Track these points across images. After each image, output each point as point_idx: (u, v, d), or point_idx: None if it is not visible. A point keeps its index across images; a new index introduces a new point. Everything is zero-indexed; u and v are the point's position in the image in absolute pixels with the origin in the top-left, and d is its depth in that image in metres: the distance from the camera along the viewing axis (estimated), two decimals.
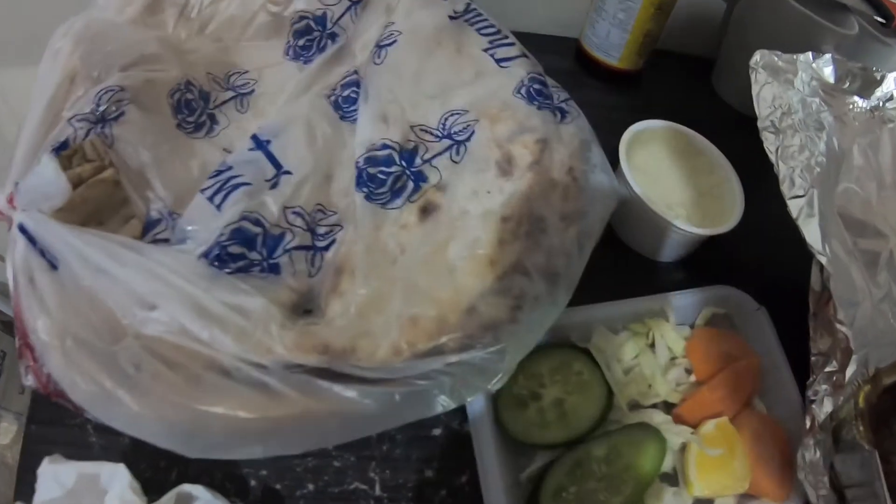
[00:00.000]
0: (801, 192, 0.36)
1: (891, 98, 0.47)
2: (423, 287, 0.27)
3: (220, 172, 0.30)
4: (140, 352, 0.24)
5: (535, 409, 0.30)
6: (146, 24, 0.35)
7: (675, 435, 0.30)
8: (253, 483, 0.29)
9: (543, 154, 0.31)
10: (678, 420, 0.32)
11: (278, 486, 0.29)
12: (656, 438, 0.29)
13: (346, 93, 0.36)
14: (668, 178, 0.39)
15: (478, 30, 0.37)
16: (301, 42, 0.38)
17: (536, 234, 0.28)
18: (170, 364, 0.24)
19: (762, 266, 0.41)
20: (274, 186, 0.31)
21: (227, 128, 0.35)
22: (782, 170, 0.36)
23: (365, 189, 0.31)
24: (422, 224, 0.30)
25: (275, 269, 0.29)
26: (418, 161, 0.32)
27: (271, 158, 0.32)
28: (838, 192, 0.43)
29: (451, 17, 0.37)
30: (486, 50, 0.36)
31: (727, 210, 0.38)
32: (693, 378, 0.34)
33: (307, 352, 0.25)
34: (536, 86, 0.35)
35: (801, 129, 0.39)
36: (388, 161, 0.32)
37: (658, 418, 0.30)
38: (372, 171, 0.32)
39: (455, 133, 0.33)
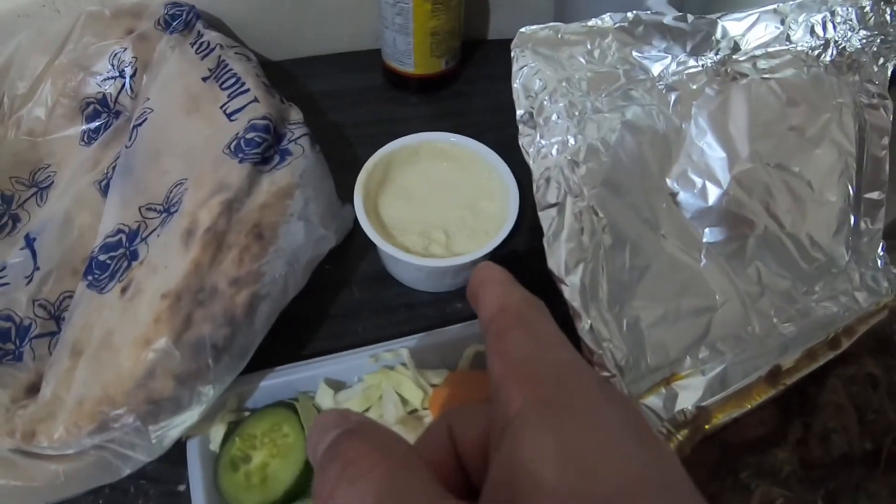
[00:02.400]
0: (555, 200, 0.30)
1: (736, 48, 0.36)
2: (97, 369, 0.29)
3: None
4: None
5: (244, 472, 0.30)
6: None
7: None
8: None
9: (221, 217, 0.30)
10: None
11: None
12: None
13: (113, 175, 0.38)
14: (436, 197, 0.35)
15: (220, 85, 0.37)
16: (93, 127, 0.41)
17: (193, 307, 0.29)
18: None
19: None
20: (29, 282, 0.35)
21: (27, 223, 0.40)
22: (535, 172, 0.31)
23: (90, 277, 0.33)
24: (120, 305, 0.31)
25: (20, 357, 0.33)
26: (137, 240, 0.34)
27: (34, 255, 0.36)
28: (671, 180, 0.35)
29: (203, 79, 0.38)
30: (222, 106, 0.36)
31: (506, 222, 0.33)
32: None
33: (3, 435, 0.29)
34: (251, 134, 0.34)
35: (582, 115, 0.32)
36: (117, 245, 0.34)
37: None
38: (102, 257, 0.34)
39: (172, 205, 0.34)
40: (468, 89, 0.46)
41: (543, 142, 0.31)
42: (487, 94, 0.45)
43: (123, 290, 0.32)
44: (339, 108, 0.44)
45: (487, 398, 0.17)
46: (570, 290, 0.28)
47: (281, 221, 0.31)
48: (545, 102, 0.32)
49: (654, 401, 0.34)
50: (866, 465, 0.37)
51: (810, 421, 0.35)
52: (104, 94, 0.41)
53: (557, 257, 0.28)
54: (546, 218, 0.29)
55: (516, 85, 0.32)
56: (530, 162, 0.30)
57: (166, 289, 0.29)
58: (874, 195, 0.40)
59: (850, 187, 0.40)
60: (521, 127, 0.32)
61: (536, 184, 0.30)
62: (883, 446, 0.37)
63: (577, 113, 0.32)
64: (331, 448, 0.14)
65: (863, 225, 0.41)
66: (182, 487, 0.34)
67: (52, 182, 0.41)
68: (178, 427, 0.28)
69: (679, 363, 0.35)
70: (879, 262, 0.41)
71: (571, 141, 0.31)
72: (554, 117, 0.31)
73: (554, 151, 0.30)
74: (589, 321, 0.28)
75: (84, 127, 0.41)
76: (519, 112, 0.32)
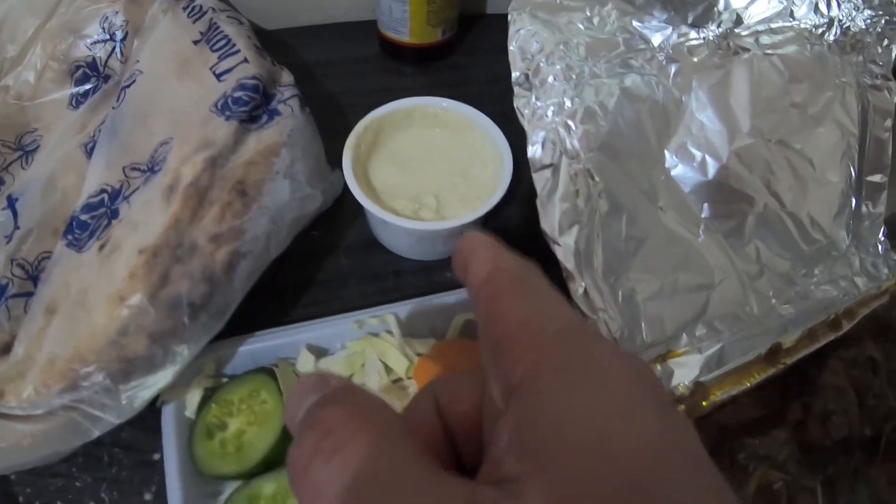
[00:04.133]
0: (550, 161, 0.28)
1: (738, 21, 0.34)
2: (70, 327, 0.27)
3: None
4: None
5: (219, 439, 0.28)
6: None
7: None
8: (21, 499, 0.33)
9: (205, 173, 0.29)
10: None
11: (37, 503, 0.33)
12: None
13: (99, 137, 0.37)
14: (427, 163, 0.34)
15: (211, 47, 0.35)
16: (81, 91, 0.40)
17: (171, 264, 0.27)
18: None
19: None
20: (9, 241, 0.33)
21: (10, 186, 0.38)
22: (530, 134, 0.29)
23: (69, 236, 0.32)
24: (97, 261, 0.30)
25: None
26: (119, 199, 0.32)
27: (15, 215, 0.34)
28: (670, 152, 0.33)
29: (194, 42, 0.36)
30: (212, 67, 0.34)
31: (499, 187, 0.32)
32: None
33: None
34: (238, 93, 0.32)
35: (580, 79, 0.31)
36: (99, 205, 0.32)
37: None
38: (83, 217, 0.32)
39: (157, 164, 0.32)
40: (465, 61, 0.44)
41: (539, 103, 0.29)
42: (484, 66, 0.43)
43: (101, 248, 0.30)
44: (332, 77, 0.42)
45: (476, 368, 0.15)
46: (564, 252, 0.26)
47: (266, 179, 0.29)
48: (542, 64, 0.30)
49: None
50: (865, 452, 0.35)
51: (810, 402, 0.33)
52: (94, 58, 0.39)
53: (551, 218, 0.26)
54: (540, 179, 0.27)
55: (512, 47, 0.31)
56: (525, 123, 0.29)
57: (144, 244, 0.27)
58: (876, 178, 0.39)
59: (851, 169, 0.38)
60: (516, 89, 0.30)
61: (531, 144, 0.28)
62: (882, 433, 0.35)
63: (574, 76, 0.30)
64: (308, 415, 0.13)
65: (864, 208, 0.39)
66: (156, 456, 0.32)
67: (39, 146, 0.39)
68: (150, 388, 0.26)
69: (675, 340, 0.33)
70: (880, 247, 0.39)
71: (568, 103, 0.29)
72: (550, 79, 0.30)
73: (550, 113, 0.29)
74: (583, 284, 0.27)
75: (73, 90, 0.40)
76: (514, 74, 0.31)
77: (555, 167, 0.27)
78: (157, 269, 0.27)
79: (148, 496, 0.31)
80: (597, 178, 0.29)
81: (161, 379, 0.27)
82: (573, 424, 0.11)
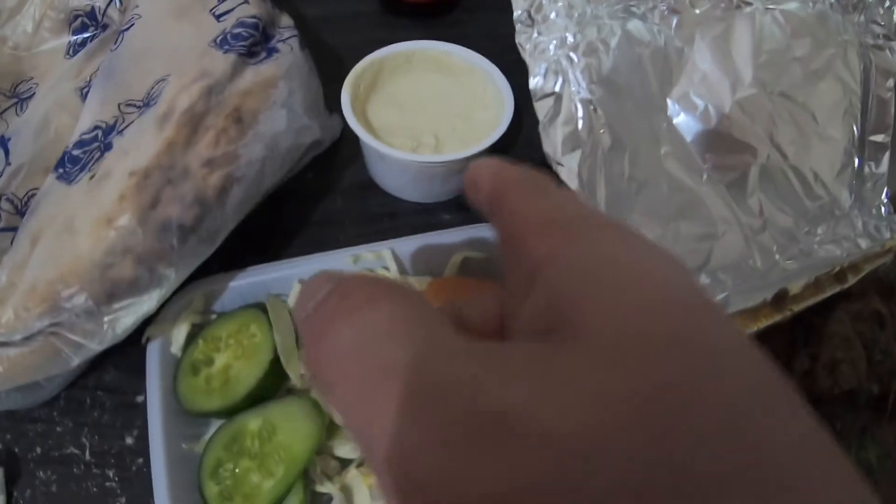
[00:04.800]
0: (552, 90, 0.28)
1: None
2: (54, 251, 0.26)
3: None
4: None
5: (204, 375, 0.27)
6: None
7: None
8: (0, 446, 0.31)
9: (200, 100, 0.28)
10: None
11: (17, 449, 0.31)
12: (312, 414, 0.25)
13: (95, 79, 0.36)
14: (427, 106, 0.33)
15: None
16: (79, 40, 0.39)
17: (162, 186, 0.26)
18: None
19: None
20: None
21: (4, 130, 0.37)
22: (532, 66, 0.28)
23: (60, 170, 0.31)
24: (87, 188, 0.29)
25: None
26: (113, 133, 0.31)
27: (6, 153, 0.33)
28: (672, 100, 0.33)
29: None
30: (211, 9, 0.34)
31: (500, 125, 0.31)
32: None
33: None
34: (238, 30, 0.31)
35: (581, 17, 0.30)
36: (93, 140, 0.32)
37: None
38: (76, 152, 0.31)
39: (152, 99, 0.31)
40: (465, 18, 0.44)
41: (541, 38, 0.29)
42: (484, 23, 0.42)
43: (91, 178, 0.29)
44: (331, 31, 0.42)
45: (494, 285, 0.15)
46: (567, 172, 0.25)
47: (263, 108, 0.28)
48: (544, 2, 0.30)
49: None
50: (872, 410, 0.34)
51: (817, 352, 0.32)
52: (93, 7, 0.39)
53: (553, 140, 0.25)
54: (542, 107, 0.26)
55: None
56: (526, 57, 0.28)
57: (135, 167, 0.26)
58: (879, 138, 0.38)
59: (854, 127, 0.38)
60: (518, 26, 0.30)
61: (533, 76, 0.27)
62: (890, 391, 0.34)
63: (576, 14, 0.30)
64: (325, 297, 0.11)
65: (867, 169, 0.38)
66: (140, 398, 0.30)
67: (34, 94, 0.38)
68: (134, 313, 0.25)
69: None
70: (883, 209, 0.38)
71: (570, 38, 0.29)
72: (553, 15, 0.29)
73: (552, 47, 0.28)
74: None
75: (71, 39, 0.39)
76: (517, 13, 0.30)
77: (557, 95, 0.27)
78: (148, 190, 0.26)
79: (130, 440, 0.30)
80: (599, 112, 0.28)
81: (146, 303, 0.25)
82: (603, 270, 0.11)
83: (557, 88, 0.27)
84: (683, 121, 0.34)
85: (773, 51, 0.36)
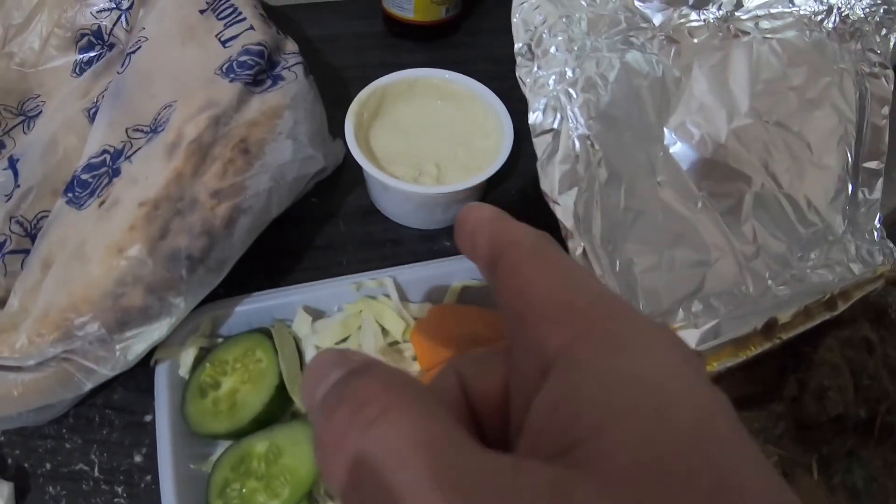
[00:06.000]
0: (551, 126, 0.29)
1: (739, 5, 0.35)
2: (66, 278, 0.28)
3: None
4: None
5: (212, 398, 0.28)
6: None
7: None
8: (10, 461, 0.33)
9: (208, 131, 0.29)
10: None
11: (26, 465, 0.32)
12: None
13: (103, 101, 0.38)
14: (429, 133, 0.34)
15: (217, 16, 0.36)
16: (85, 58, 0.41)
17: (171, 217, 0.27)
18: None
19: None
20: (8, 199, 0.34)
21: (12, 149, 0.38)
22: (532, 101, 0.30)
23: (70, 194, 0.32)
24: (96, 215, 0.30)
25: None
26: (121, 159, 0.33)
27: (15, 175, 0.35)
28: (669, 130, 0.34)
29: (200, 11, 0.37)
30: (217, 34, 0.35)
31: (500, 155, 0.33)
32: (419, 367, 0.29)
33: None
34: (243, 57, 0.33)
35: (581, 51, 0.31)
36: (101, 164, 0.33)
37: None
38: (84, 176, 0.33)
39: (160, 125, 0.33)
40: (468, 40, 0.46)
41: (541, 72, 0.30)
42: (487, 46, 0.44)
43: (101, 204, 0.31)
44: (336, 52, 0.43)
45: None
46: (563, 211, 0.27)
47: (269, 139, 0.30)
48: (544, 35, 0.31)
49: None
50: (860, 434, 0.36)
51: (806, 379, 0.34)
52: (99, 26, 0.40)
53: (551, 178, 0.27)
54: (541, 143, 0.28)
55: (516, 19, 0.32)
56: (526, 91, 0.30)
57: (145, 197, 0.28)
58: (873, 165, 0.40)
59: (848, 154, 0.39)
60: (518, 59, 0.31)
61: (532, 111, 0.29)
62: (877, 415, 0.36)
63: (576, 48, 0.31)
64: (335, 390, 0.12)
65: (860, 195, 0.40)
66: (148, 418, 0.32)
67: (41, 111, 0.40)
68: (145, 340, 0.27)
69: (672, 314, 0.34)
70: (876, 234, 0.40)
71: (570, 73, 0.30)
72: (553, 49, 0.31)
73: (551, 81, 0.30)
74: (582, 245, 0.27)
75: (77, 57, 0.40)
76: (517, 45, 0.31)
77: (556, 132, 0.28)
78: (157, 221, 0.27)
79: (138, 458, 0.31)
80: (597, 147, 0.29)
81: (156, 331, 0.27)
82: (625, 389, 0.11)
83: (556, 125, 0.28)
84: (680, 150, 0.35)
85: (769, 80, 0.37)
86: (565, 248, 0.27)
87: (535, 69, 0.30)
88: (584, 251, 0.28)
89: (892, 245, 0.40)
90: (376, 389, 0.11)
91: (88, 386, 0.27)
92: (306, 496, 0.26)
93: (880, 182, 0.40)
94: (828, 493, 0.34)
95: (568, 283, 0.13)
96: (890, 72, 0.39)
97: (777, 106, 0.37)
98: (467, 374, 0.15)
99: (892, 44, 0.40)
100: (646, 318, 0.13)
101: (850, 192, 0.40)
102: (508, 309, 0.13)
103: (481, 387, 0.14)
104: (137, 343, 0.27)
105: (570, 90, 0.29)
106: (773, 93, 0.37)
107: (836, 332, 0.36)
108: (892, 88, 0.39)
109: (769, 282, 0.37)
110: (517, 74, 0.30)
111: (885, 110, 0.40)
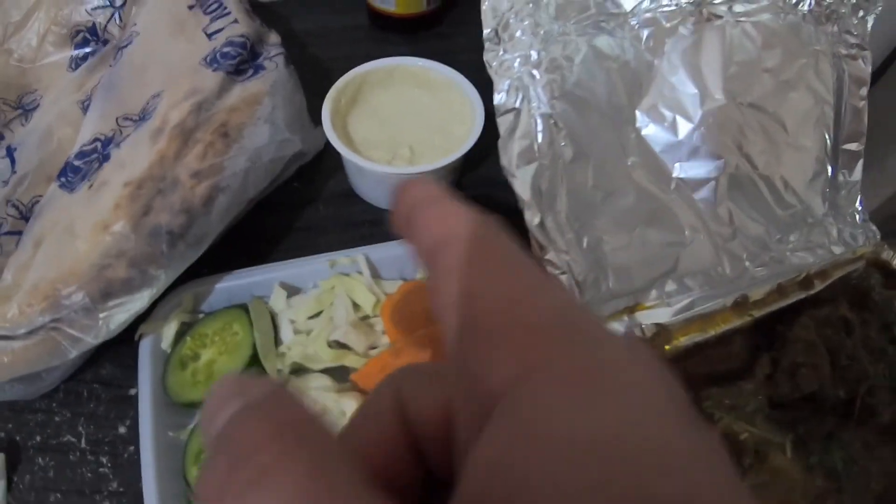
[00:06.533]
0: (513, 105, 0.31)
1: None
2: (56, 253, 0.30)
3: None
4: None
5: (191, 369, 0.30)
6: None
7: (334, 403, 0.28)
8: (2, 434, 0.35)
9: (190, 116, 0.31)
10: (355, 388, 0.30)
11: (17, 438, 0.35)
12: None
13: (95, 93, 0.40)
14: (406, 120, 0.36)
15: (204, 11, 0.39)
16: (81, 54, 0.43)
17: (154, 196, 0.29)
18: None
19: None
20: (6, 185, 0.36)
21: (11, 140, 0.41)
22: (497, 83, 0.31)
23: (62, 179, 0.35)
24: (86, 197, 0.32)
25: None
26: (111, 146, 0.35)
27: (13, 163, 0.37)
28: (641, 112, 0.35)
29: (189, 7, 0.39)
30: (204, 28, 0.38)
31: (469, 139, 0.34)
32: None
33: None
34: (227, 48, 0.35)
35: (548, 35, 0.33)
36: (92, 151, 0.35)
37: (315, 383, 0.29)
38: (77, 162, 0.35)
39: (148, 114, 0.35)
40: (452, 31, 0.47)
41: (507, 56, 0.32)
42: (471, 36, 0.45)
43: (90, 188, 0.33)
44: (323, 45, 0.45)
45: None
46: (521, 184, 0.28)
47: (247, 123, 0.32)
48: (511, 20, 0.33)
49: (615, 327, 0.34)
50: (840, 415, 0.36)
51: (779, 357, 0.35)
52: (94, 23, 0.43)
53: (510, 153, 0.28)
54: (503, 122, 0.29)
55: (485, 6, 0.34)
56: (492, 74, 0.31)
57: (129, 178, 0.30)
58: (852, 146, 0.41)
59: (826, 137, 0.40)
60: (486, 45, 0.33)
61: (497, 93, 0.30)
62: (857, 396, 0.36)
63: (542, 32, 0.33)
64: (224, 430, 0.10)
65: (840, 177, 0.41)
66: (133, 391, 0.34)
67: (38, 105, 0.42)
68: (127, 311, 0.29)
69: (644, 293, 0.35)
70: (858, 217, 0.41)
71: (534, 55, 0.32)
72: (518, 34, 0.32)
73: (516, 64, 0.31)
74: (539, 215, 0.29)
75: (73, 53, 0.43)
76: (486, 31, 0.33)
77: (517, 111, 0.29)
78: (141, 199, 0.29)
79: (122, 429, 0.33)
80: (560, 125, 0.31)
81: (138, 301, 0.29)
82: (587, 462, 0.09)
83: (518, 104, 0.30)
84: (652, 132, 0.37)
85: (743, 62, 0.38)
86: (522, 222, 0.29)
87: (502, 53, 0.32)
88: (542, 222, 0.29)
89: (874, 228, 0.41)
90: (265, 437, 0.10)
91: (73, 353, 0.29)
92: None
93: (860, 164, 0.41)
94: (804, 473, 0.34)
95: (519, 292, 0.11)
96: (868, 53, 0.40)
97: (751, 88, 0.38)
98: (408, 394, 0.13)
99: (869, 25, 0.41)
100: (617, 340, 0.10)
101: (829, 174, 0.41)
102: (448, 316, 0.11)
103: (422, 410, 0.12)
104: (119, 313, 0.29)
105: (534, 71, 0.31)
106: (746, 75, 0.38)
107: (812, 311, 0.36)
108: (870, 69, 0.40)
109: (747, 263, 0.38)
110: (485, 59, 0.32)
111: (864, 91, 0.41)
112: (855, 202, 0.41)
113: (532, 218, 0.28)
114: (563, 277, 0.31)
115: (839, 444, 0.36)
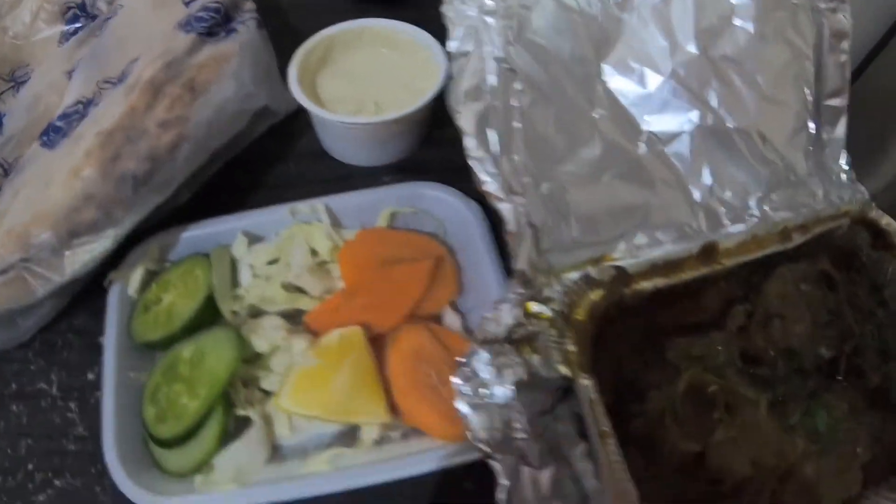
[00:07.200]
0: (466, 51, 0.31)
1: None
2: (31, 199, 0.32)
3: None
4: None
5: (153, 312, 0.32)
6: None
7: (283, 341, 0.29)
8: None
9: (161, 72, 0.34)
10: (307, 329, 0.30)
11: None
12: (234, 341, 0.29)
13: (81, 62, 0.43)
14: (374, 78, 0.38)
15: None
16: (71, 29, 0.46)
17: (123, 144, 0.31)
18: None
19: None
20: None
21: (2, 110, 0.44)
22: (451, 30, 0.32)
23: (45, 138, 0.37)
24: (64, 150, 0.34)
25: None
26: (91, 106, 0.37)
27: (1, 126, 0.40)
28: (609, 65, 0.36)
29: None
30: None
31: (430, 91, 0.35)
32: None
33: None
34: (201, 13, 0.37)
35: None
36: (74, 113, 0.38)
37: (269, 323, 0.30)
38: (59, 123, 0.38)
39: (125, 76, 0.37)
40: (430, 2, 0.49)
41: (463, 6, 0.33)
42: None
43: (70, 140, 0.35)
44: (301, 16, 0.47)
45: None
46: (465, 118, 0.29)
47: (214, 79, 0.34)
48: None
49: (575, 276, 0.34)
50: (824, 375, 0.36)
51: (753, 309, 0.34)
52: (84, 0, 0.46)
53: (457, 92, 0.29)
54: (456, 66, 0.30)
55: None
56: (448, 25, 0.32)
57: (101, 129, 0.32)
58: (835, 102, 0.40)
59: (807, 92, 0.40)
60: None
61: (451, 39, 0.31)
62: (842, 354, 0.36)
63: None
64: None
65: (824, 135, 0.40)
66: (103, 338, 0.36)
67: (29, 78, 0.45)
68: (91, 251, 0.31)
69: (612, 245, 0.35)
70: (844, 176, 0.40)
71: (491, 3, 0.33)
72: None
73: (473, 12, 0.32)
74: (482, 150, 0.29)
75: (63, 28, 0.46)
76: None
77: (469, 53, 0.31)
78: (110, 147, 0.31)
79: (91, 376, 0.35)
80: (517, 71, 0.32)
81: (102, 242, 0.31)
82: None
83: (471, 48, 0.31)
84: (620, 85, 0.37)
85: (716, 15, 0.39)
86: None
87: (459, 4, 0.33)
88: (489, 157, 0.29)
89: (863, 189, 0.40)
90: None
91: (41, 292, 0.31)
92: (224, 400, 0.29)
93: (843, 119, 0.40)
94: (782, 431, 0.34)
95: None
96: (847, 6, 0.40)
97: (724, 41, 0.39)
98: None
99: None
100: None
101: (812, 130, 0.41)
102: None
103: None
104: (83, 253, 0.30)
105: (488, 18, 0.32)
106: (720, 28, 0.39)
107: (790, 265, 0.36)
108: (851, 22, 0.40)
109: (724, 219, 0.38)
110: (441, 10, 0.33)
111: (845, 45, 0.40)
112: (839, 159, 0.40)
113: (469, 142, 0.29)
114: (510, 212, 0.31)
115: (823, 404, 0.35)
